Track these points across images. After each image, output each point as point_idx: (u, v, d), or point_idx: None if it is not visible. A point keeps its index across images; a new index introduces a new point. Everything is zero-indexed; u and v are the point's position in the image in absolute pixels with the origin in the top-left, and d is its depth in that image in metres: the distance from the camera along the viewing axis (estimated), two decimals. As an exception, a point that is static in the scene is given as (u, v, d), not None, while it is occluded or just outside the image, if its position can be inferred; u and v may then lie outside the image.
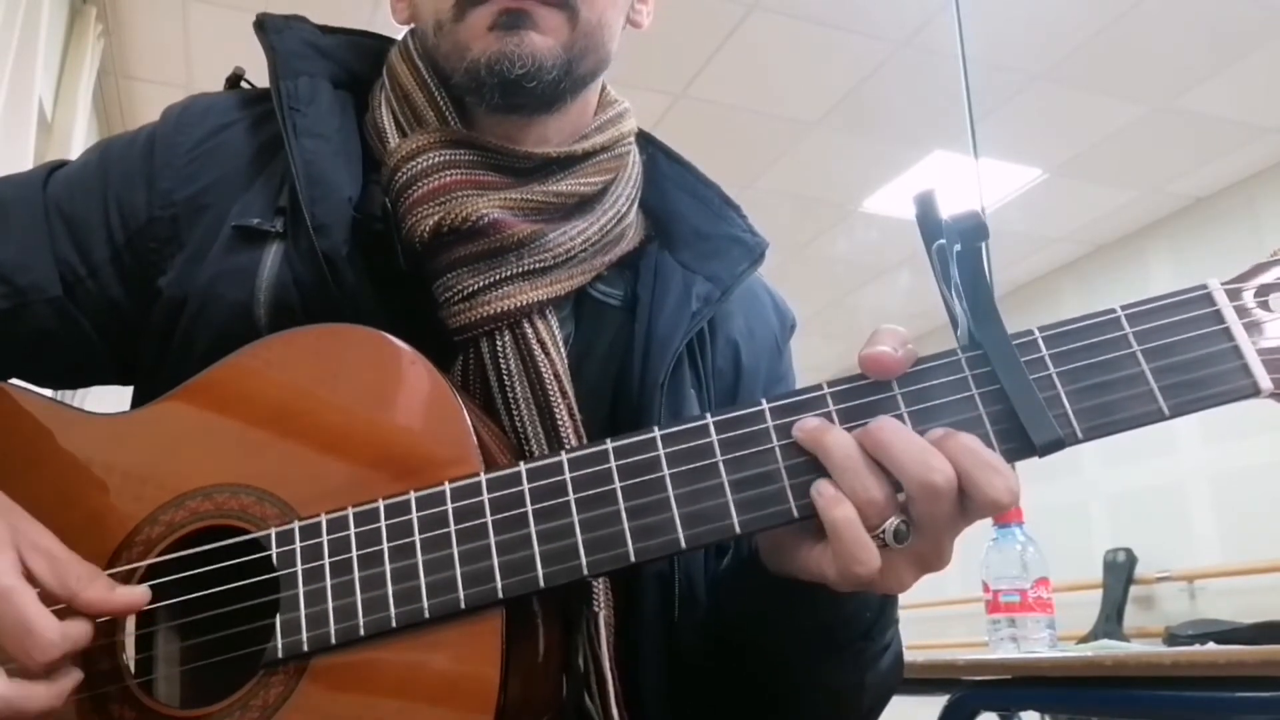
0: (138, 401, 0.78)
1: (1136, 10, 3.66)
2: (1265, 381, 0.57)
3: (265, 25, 0.83)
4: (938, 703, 1.89)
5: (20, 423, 0.70)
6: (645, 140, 0.91)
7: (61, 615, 0.58)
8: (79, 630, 0.58)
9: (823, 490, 0.57)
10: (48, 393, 0.75)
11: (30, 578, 0.58)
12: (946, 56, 3.69)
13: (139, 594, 0.61)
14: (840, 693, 0.72)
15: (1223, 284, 0.59)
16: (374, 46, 0.88)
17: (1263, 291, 0.59)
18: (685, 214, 0.86)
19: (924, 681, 1.94)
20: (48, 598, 0.58)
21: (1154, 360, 0.58)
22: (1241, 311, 0.58)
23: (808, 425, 0.58)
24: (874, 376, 0.59)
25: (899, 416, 0.58)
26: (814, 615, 0.66)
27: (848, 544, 0.56)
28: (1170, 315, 0.58)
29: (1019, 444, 0.57)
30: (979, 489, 0.55)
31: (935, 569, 0.59)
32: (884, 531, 0.56)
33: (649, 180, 0.87)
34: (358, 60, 0.86)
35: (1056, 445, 0.57)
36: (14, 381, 0.74)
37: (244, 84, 0.87)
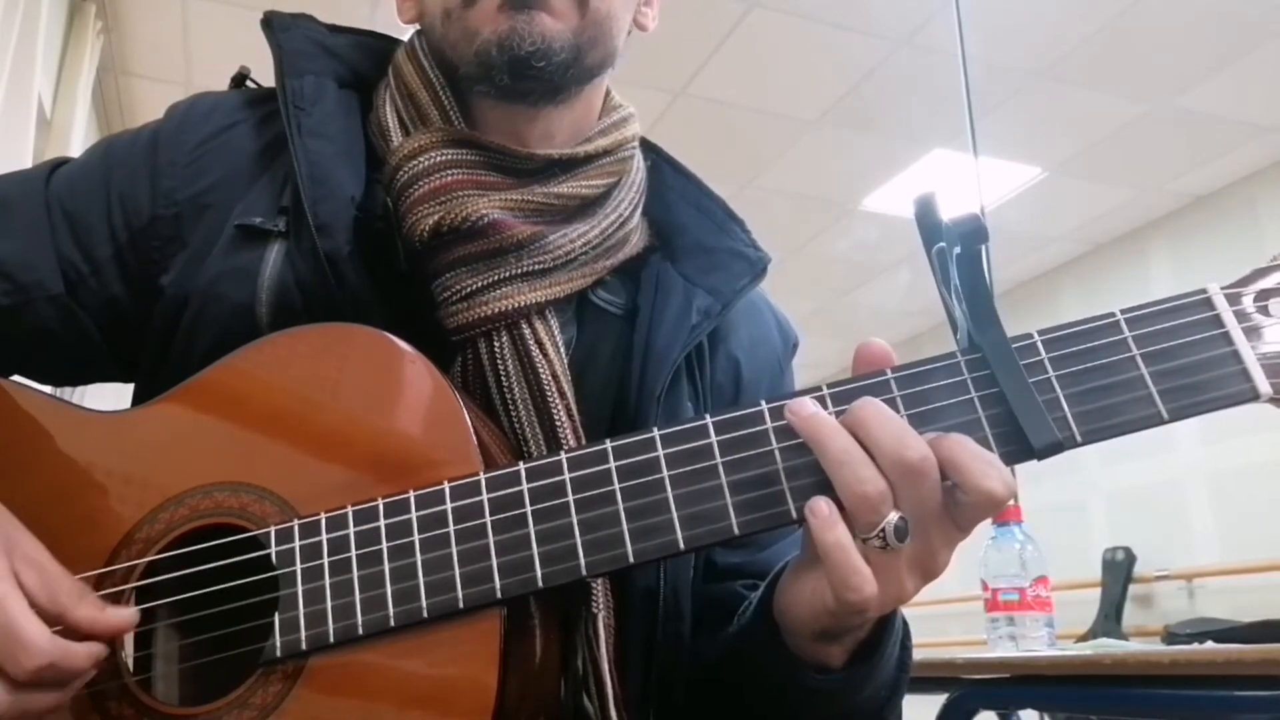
0: (138, 400, 0.78)
1: (1136, 8, 3.66)
2: (1264, 386, 0.57)
3: (272, 23, 0.82)
4: (936, 701, 1.89)
5: (20, 419, 0.70)
6: (650, 149, 0.91)
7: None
8: (75, 645, 0.57)
9: (816, 510, 0.56)
10: (48, 390, 0.75)
11: (20, 589, 0.57)
12: (946, 55, 3.69)
13: (127, 616, 0.60)
14: None
15: (1222, 288, 0.59)
16: (380, 47, 0.88)
17: (1262, 296, 0.59)
18: (688, 226, 0.86)
19: (923, 680, 1.94)
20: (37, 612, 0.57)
21: (1153, 364, 0.58)
22: (1241, 316, 0.58)
23: (804, 411, 0.58)
24: (869, 367, 0.60)
25: None
26: (838, 699, 0.66)
27: (839, 570, 0.55)
28: (1170, 319, 0.59)
29: (1018, 447, 0.57)
30: (973, 479, 0.55)
31: (931, 572, 0.58)
32: (884, 529, 0.55)
33: (653, 191, 0.87)
34: (364, 60, 0.86)
35: (1055, 448, 0.57)
36: (15, 378, 0.74)
37: (249, 83, 0.87)
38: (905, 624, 0.69)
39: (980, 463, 0.55)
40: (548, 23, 0.74)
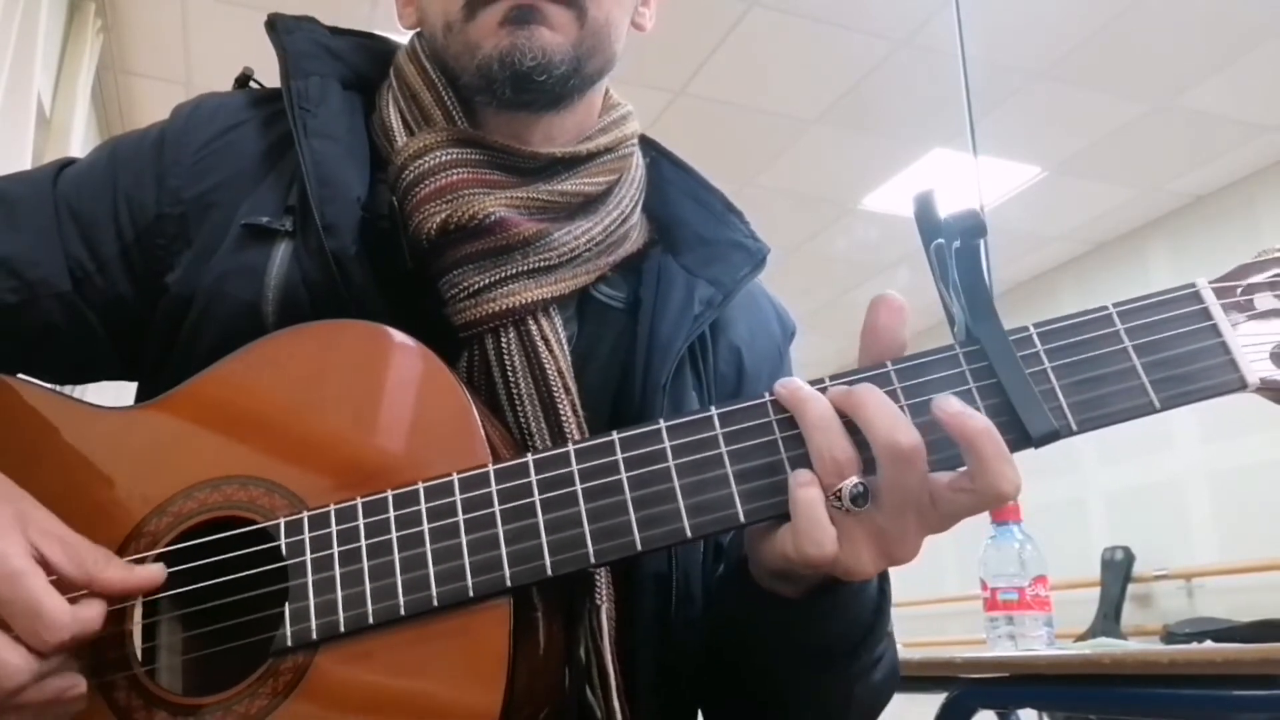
0: (142, 398, 0.78)
1: (1136, 8, 3.67)
2: (1252, 376, 0.58)
3: (277, 25, 0.83)
4: (935, 700, 1.90)
5: (27, 415, 0.70)
6: (648, 144, 0.91)
7: (72, 602, 0.58)
8: (89, 613, 0.58)
9: (799, 476, 0.58)
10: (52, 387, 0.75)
11: (44, 563, 0.58)
12: (946, 54, 3.69)
13: (155, 572, 0.62)
14: (828, 704, 0.72)
15: (1210, 283, 0.61)
16: (381, 48, 0.89)
17: (1249, 290, 0.60)
18: (688, 219, 0.87)
19: (922, 679, 1.94)
20: (64, 585, 0.58)
21: (1145, 355, 0.59)
22: (1229, 309, 0.60)
23: (789, 383, 0.60)
24: (883, 319, 0.61)
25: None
26: (804, 630, 0.66)
27: (805, 521, 0.57)
28: (1160, 312, 0.60)
29: (1015, 436, 0.58)
30: (992, 477, 0.56)
31: (899, 556, 0.59)
32: (841, 490, 0.57)
33: (652, 185, 0.88)
34: (366, 61, 0.87)
35: (1052, 436, 0.58)
36: (20, 376, 0.75)
37: (253, 84, 0.88)
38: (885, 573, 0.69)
39: (1000, 461, 0.56)
40: (547, 37, 0.75)
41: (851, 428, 0.58)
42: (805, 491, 0.58)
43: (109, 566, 0.61)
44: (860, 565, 0.58)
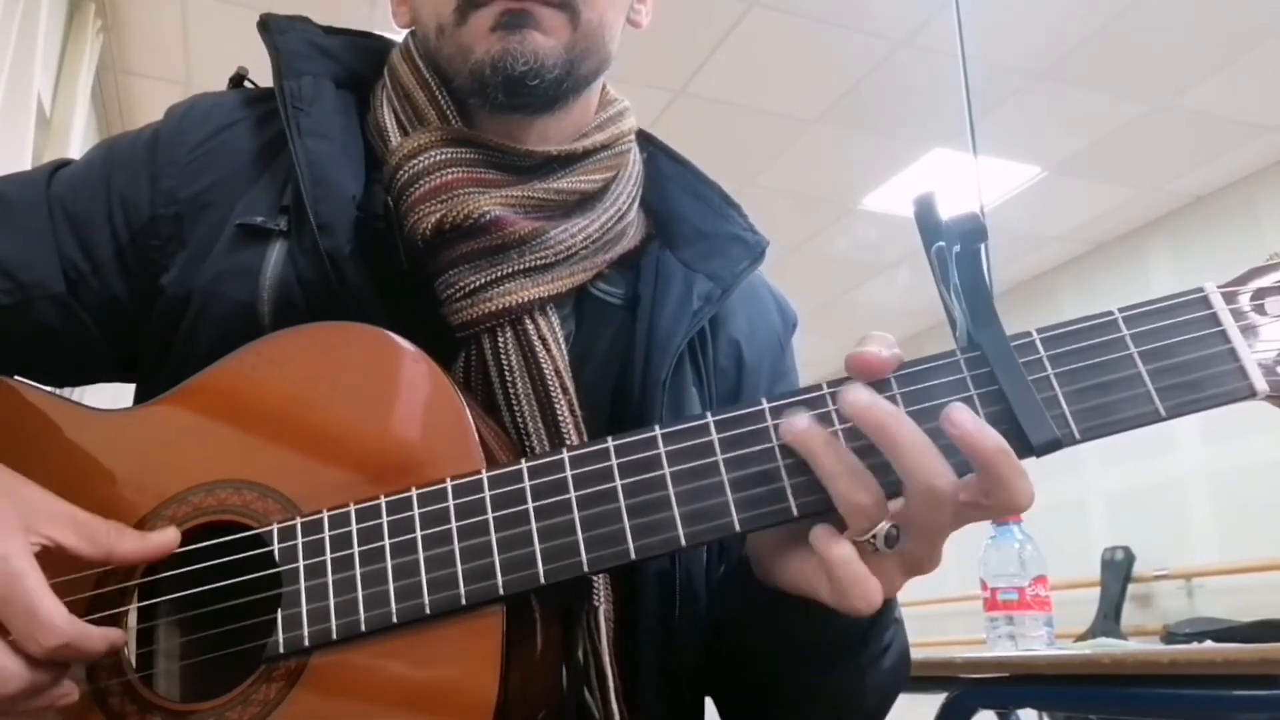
0: (140, 399, 0.78)
1: (1136, 8, 3.66)
2: (1261, 384, 0.57)
3: (269, 25, 0.83)
4: (935, 700, 1.90)
5: (24, 417, 0.70)
6: (645, 140, 0.91)
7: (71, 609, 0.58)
8: (89, 629, 0.58)
9: (819, 535, 0.56)
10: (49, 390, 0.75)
11: (58, 549, 0.59)
12: (946, 54, 3.69)
13: (170, 536, 0.62)
14: (837, 696, 0.72)
15: (1219, 287, 0.59)
16: (375, 47, 0.89)
17: (1259, 295, 0.59)
18: (686, 213, 0.86)
19: (922, 679, 1.94)
20: (83, 563, 0.59)
21: (1151, 362, 0.58)
22: (1237, 315, 0.58)
23: (796, 427, 0.57)
24: (861, 378, 0.58)
25: None
26: (806, 625, 0.66)
27: (845, 583, 0.56)
28: (1167, 318, 0.58)
29: (1017, 444, 0.57)
30: (1007, 494, 0.55)
31: (926, 569, 0.58)
32: (875, 537, 0.56)
33: (650, 180, 0.88)
34: (359, 60, 0.87)
35: (1054, 445, 0.57)
36: (17, 377, 0.75)
37: (247, 83, 0.88)
38: None
39: (1018, 477, 0.55)
40: (540, 40, 0.75)
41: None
42: (838, 550, 0.56)
43: (123, 538, 0.61)
44: (893, 588, 0.58)
